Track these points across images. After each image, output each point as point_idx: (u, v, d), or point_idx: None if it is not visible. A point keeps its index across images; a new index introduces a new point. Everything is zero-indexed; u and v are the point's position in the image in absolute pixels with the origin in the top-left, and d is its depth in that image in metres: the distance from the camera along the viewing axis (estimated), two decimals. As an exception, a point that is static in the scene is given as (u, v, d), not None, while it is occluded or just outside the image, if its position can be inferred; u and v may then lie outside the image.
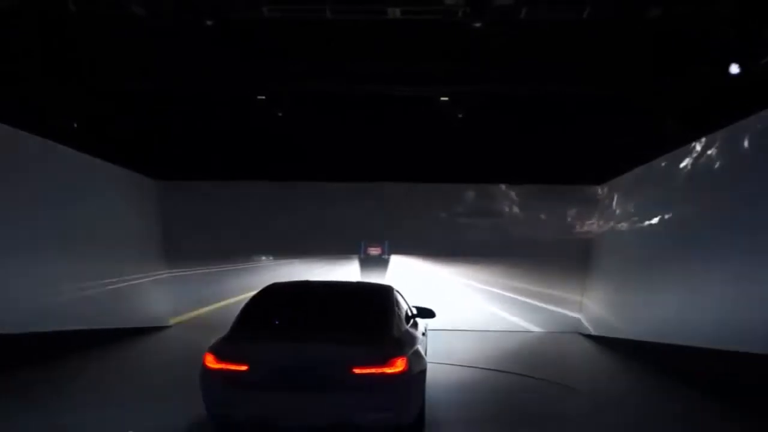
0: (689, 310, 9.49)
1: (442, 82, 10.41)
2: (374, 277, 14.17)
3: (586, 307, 14.39)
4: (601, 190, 14.42)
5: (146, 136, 12.28)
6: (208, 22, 8.32)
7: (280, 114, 11.42)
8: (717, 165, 9.36)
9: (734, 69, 8.00)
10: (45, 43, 8.82)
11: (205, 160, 13.31)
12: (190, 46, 9.04)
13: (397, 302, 6.79)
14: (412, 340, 6.30)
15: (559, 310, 14.69)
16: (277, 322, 6.41)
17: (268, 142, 12.79)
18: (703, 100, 9.21)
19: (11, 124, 9.00)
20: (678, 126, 10.01)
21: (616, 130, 11.29)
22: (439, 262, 15.40)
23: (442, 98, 11.07)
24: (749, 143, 8.53)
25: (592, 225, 14.62)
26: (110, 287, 12.22)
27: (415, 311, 7.66)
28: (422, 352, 6.47)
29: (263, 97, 10.97)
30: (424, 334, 7.45)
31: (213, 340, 5.83)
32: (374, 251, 15.21)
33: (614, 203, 13.74)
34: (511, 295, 14.96)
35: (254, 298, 6.64)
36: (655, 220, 11.30)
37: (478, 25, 8.31)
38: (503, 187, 15.03)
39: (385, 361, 5.36)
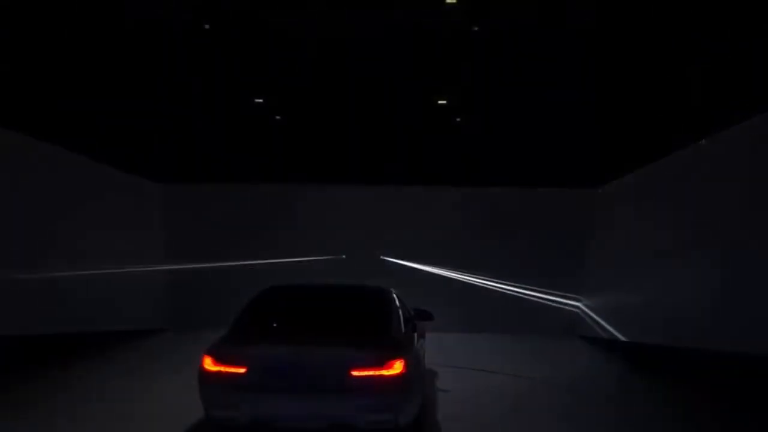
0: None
1: (440, 85, 10.41)
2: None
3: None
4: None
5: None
6: (206, 26, 8.33)
7: (278, 117, 11.43)
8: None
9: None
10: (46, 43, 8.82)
11: (204, 162, 13.35)
12: (188, 48, 9.04)
13: (396, 304, 6.79)
14: (411, 342, 6.31)
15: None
16: (275, 324, 6.41)
17: (266, 145, 12.82)
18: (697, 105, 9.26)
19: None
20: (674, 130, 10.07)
21: (614, 135, 11.30)
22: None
23: (440, 101, 11.07)
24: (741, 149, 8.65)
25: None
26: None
27: (413, 313, 7.67)
28: (421, 354, 6.48)
29: (261, 101, 10.96)
30: (422, 336, 7.47)
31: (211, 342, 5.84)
32: None
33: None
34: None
35: (253, 300, 6.64)
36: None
37: (476, 29, 8.32)
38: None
39: (383, 363, 5.36)
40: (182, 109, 10.97)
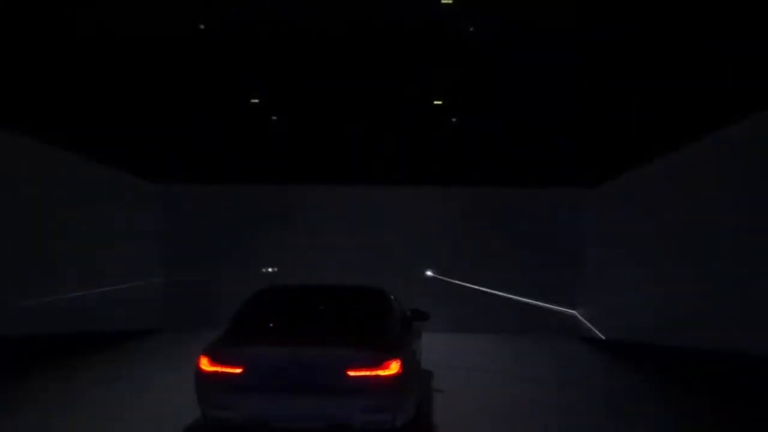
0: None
1: (437, 85, 10.43)
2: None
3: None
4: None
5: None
6: (201, 26, 8.34)
7: (274, 118, 11.44)
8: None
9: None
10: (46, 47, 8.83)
11: (202, 163, 13.35)
12: (184, 49, 9.03)
13: (392, 305, 6.81)
14: (407, 342, 6.32)
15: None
16: (272, 324, 6.41)
17: (262, 146, 12.83)
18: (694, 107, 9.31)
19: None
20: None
21: (610, 135, 11.34)
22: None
23: (436, 102, 11.08)
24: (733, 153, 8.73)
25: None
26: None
27: (409, 314, 7.67)
28: (417, 355, 6.49)
29: (257, 101, 10.96)
30: (418, 336, 7.48)
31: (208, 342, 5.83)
32: None
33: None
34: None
35: (249, 301, 6.64)
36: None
37: (472, 29, 8.34)
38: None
39: (380, 363, 5.37)
40: (179, 109, 10.97)
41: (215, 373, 5.42)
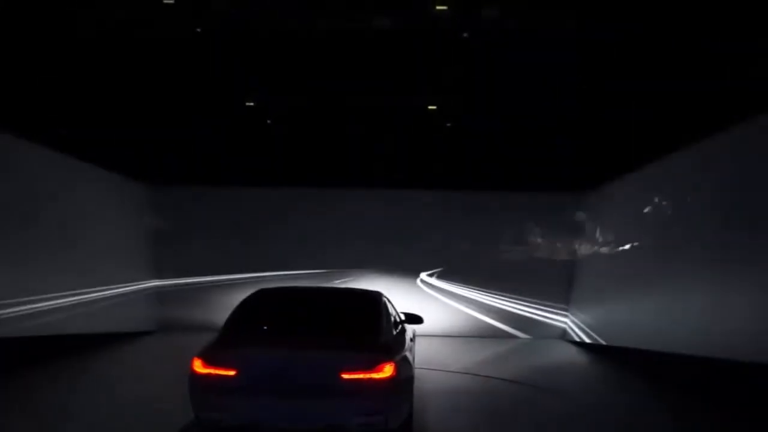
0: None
1: (431, 90, 10.48)
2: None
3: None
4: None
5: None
6: (198, 29, 8.38)
7: (269, 121, 11.47)
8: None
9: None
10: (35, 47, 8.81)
11: (196, 164, 13.34)
12: (180, 51, 9.06)
13: (386, 308, 6.81)
14: (401, 345, 6.32)
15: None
16: (265, 327, 6.41)
17: (257, 148, 12.85)
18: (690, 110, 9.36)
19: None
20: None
21: (602, 139, 11.40)
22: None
23: (430, 107, 11.14)
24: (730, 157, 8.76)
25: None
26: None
27: (403, 317, 7.69)
28: (410, 358, 6.50)
29: (252, 104, 11.00)
30: (412, 339, 7.51)
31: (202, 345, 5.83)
32: None
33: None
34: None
35: (243, 303, 6.63)
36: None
37: (465, 35, 8.40)
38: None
39: (373, 366, 5.38)
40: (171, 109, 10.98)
41: (209, 376, 5.41)
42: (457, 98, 10.65)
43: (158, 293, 14.74)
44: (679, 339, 9.42)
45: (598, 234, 13.91)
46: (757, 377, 7.52)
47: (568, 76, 9.28)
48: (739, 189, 8.40)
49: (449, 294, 15.15)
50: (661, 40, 7.91)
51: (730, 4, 7.01)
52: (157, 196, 14.64)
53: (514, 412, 7.65)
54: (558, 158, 12.54)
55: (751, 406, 7.58)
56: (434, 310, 14.50)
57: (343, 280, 14.96)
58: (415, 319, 7.92)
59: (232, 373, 5.39)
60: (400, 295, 12.58)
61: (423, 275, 15.24)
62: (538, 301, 14.81)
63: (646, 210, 11.36)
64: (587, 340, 13.46)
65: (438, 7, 7.87)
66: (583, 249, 14.60)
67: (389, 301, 7.32)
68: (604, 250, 13.40)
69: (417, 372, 7.17)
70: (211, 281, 14.85)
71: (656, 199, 11.05)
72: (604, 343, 12.56)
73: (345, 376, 5.32)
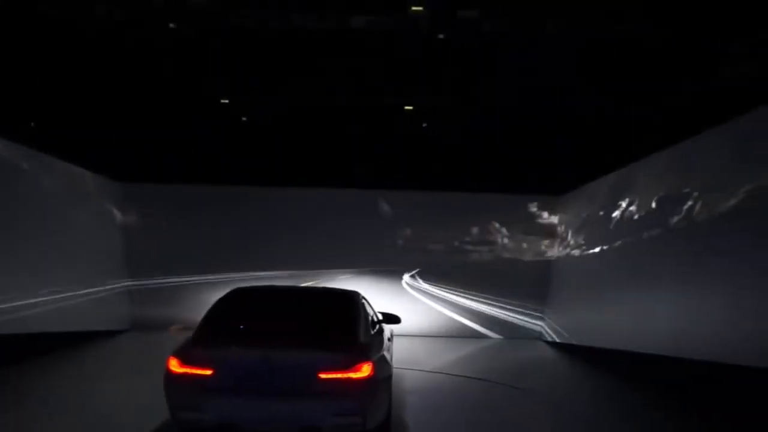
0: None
1: (406, 92, 10.48)
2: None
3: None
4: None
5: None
6: (171, 25, 8.28)
7: (244, 119, 11.39)
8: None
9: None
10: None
11: (168, 162, 13.18)
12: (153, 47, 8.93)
13: (363, 308, 6.79)
14: (378, 345, 6.32)
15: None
16: (242, 327, 6.34)
17: (231, 146, 12.75)
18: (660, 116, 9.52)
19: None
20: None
21: (575, 145, 11.51)
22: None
23: (407, 107, 11.14)
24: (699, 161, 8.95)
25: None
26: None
27: (380, 317, 7.68)
28: (388, 358, 6.50)
29: (227, 101, 10.90)
30: (389, 339, 7.51)
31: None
32: None
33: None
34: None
35: (219, 302, 6.56)
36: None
37: (441, 36, 8.40)
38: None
39: (351, 366, 5.36)
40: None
41: (185, 375, 5.34)
42: (435, 98, 10.66)
43: (130, 292, 14.53)
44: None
45: (570, 237, 14.09)
46: (715, 374, 7.89)
47: (544, 78, 9.33)
48: (711, 193, 8.57)
49: (430, 296, 15.23)
50: (640, 42, 8.00)
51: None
52: (130, 194, 14.45)
53: (493, 410, 7.75)
54: (535, 160, 12.64)
55: (696, 399, 8.14)
56: (415, 311, 14.60)
57: (317, 281, 14.92)
58: (392, 318, 7.92)
59: (208, 372, 5.33)
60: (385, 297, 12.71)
61: (406, 277, 15.30)
62: (517, 303, 14.94)
63: (614, 213, 11.57)
64: (558, 340, 13.63)
65: (413, 8, 7.86)
66: (558, 251, 14.78)
67: (366, 300, 7.30)
68: (577, 252, 13.57)
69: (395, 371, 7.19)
70: (183, 281, 14.69)
71: (622, 203, 11.30)
72: (575, 343, 12.72)
73: (322, 375, 5.29)
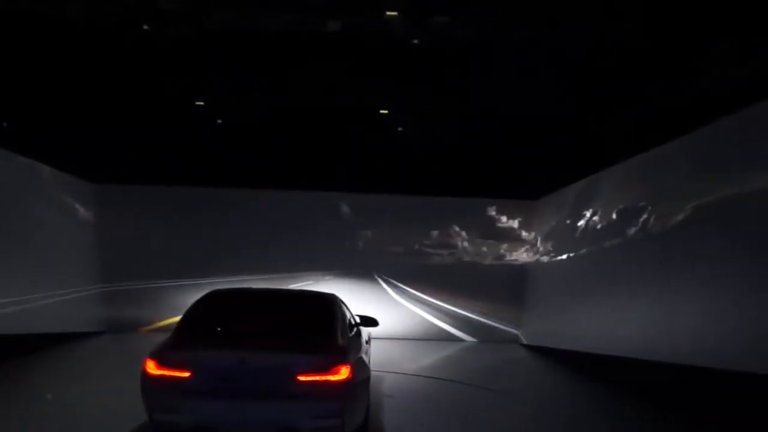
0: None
1: (382, 96, 10.53)
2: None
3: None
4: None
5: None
6: (145, 27, 8.24)
7: (219, 121, 11.34)
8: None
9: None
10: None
11: (143, 164, 13.06)
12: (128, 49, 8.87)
13: (341, 310, 6.79)
14: (356, 348, 6.32)
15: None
16: (219, 329, 6.30)
17: (206, 149, 12.68)
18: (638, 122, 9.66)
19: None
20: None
21: (553, 148, 11.63)
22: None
23: (382, 111, 11.18)
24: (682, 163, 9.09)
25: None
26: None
27: (358, 320, 7.68)
28: (366, 360, 6.50)
29: (201, 103, 10.85)
30: (367, 342, 7.51)
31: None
32: None
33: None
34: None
35: (196, 304, 6.50)
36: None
37: (416, 41, 8.47)
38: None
39: (329, 368, 5.34)
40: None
41: (162, 377, 5.28)
42: (409, 103, 10.72)
43: (104, 294, 14.33)
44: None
45: (542, 243, 14.23)
46: (682, 377, 8.09)
47: (519, 83, 9.42)
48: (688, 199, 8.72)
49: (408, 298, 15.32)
50: (618, 46, 8.11)
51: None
52: (104, 195, 14.28)
53: (470, 411, 7.82)
54: (511, 166, 12.76)
55: (662, 399, 8.34)
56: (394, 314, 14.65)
57: (300, 283, 14.86)
58: (370, 321, 7.91)
59: (185, 374, 5.28)
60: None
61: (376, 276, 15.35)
62: (494, 305, 15.04)
63: (585, 220, 11.73)
64: (536, 344, 13.76)
65: (388, 13, 7.91)
66: (533, 257, 14.92)
67: (344, 303, 7.30)
68: (552, 258, 13.71)
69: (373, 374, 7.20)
70: (157, 285, 14.55)
71: (596, 209, 11.45)
72: (550, 346, 12.84)
73: (300, 378, 5.26)
